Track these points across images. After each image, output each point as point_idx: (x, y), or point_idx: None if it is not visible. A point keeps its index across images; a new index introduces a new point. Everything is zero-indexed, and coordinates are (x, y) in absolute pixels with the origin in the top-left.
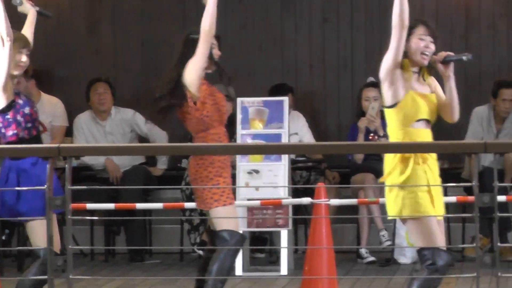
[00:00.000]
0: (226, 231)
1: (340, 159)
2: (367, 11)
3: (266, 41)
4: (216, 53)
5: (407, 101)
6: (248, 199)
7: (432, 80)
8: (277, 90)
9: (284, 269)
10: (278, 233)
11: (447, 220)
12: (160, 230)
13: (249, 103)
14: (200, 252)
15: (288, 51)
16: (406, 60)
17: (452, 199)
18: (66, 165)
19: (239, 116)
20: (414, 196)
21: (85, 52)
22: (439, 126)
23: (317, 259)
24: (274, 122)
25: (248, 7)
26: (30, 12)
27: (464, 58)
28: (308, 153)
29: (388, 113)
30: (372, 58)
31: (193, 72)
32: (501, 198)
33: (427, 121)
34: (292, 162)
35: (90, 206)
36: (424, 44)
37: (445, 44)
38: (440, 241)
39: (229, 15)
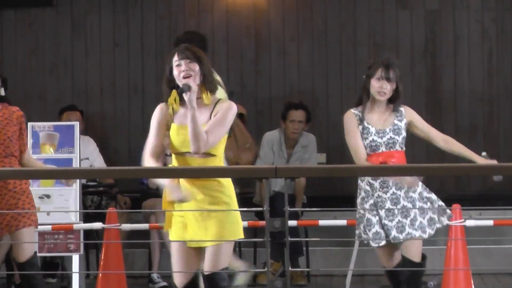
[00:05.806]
0: None
1: (132, 183)
2: (157, 37)
3: (56, 65)
4: None
5: (172, 134)
6: (39, 224)
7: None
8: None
9: None
10: (70, 258)
11: (239, 245)
12: None
13: (39, 128)
14: None
15: (78, 75)
16: (174, 92)
17: (243, 224)
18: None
19: (30, 141)
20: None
21: None
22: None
23: (109, 284)
24: (65, 147)
25: (38, 31)
26: None
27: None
28: (99, 177)
29: None
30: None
31: None
32: (292, 222)
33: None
34: (83, 187)
35: None
36: (180, 70)
37: (236, 70)
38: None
39: (19, 38)
